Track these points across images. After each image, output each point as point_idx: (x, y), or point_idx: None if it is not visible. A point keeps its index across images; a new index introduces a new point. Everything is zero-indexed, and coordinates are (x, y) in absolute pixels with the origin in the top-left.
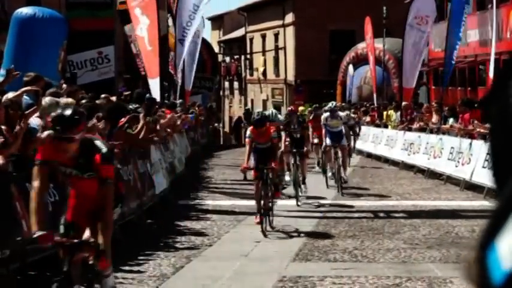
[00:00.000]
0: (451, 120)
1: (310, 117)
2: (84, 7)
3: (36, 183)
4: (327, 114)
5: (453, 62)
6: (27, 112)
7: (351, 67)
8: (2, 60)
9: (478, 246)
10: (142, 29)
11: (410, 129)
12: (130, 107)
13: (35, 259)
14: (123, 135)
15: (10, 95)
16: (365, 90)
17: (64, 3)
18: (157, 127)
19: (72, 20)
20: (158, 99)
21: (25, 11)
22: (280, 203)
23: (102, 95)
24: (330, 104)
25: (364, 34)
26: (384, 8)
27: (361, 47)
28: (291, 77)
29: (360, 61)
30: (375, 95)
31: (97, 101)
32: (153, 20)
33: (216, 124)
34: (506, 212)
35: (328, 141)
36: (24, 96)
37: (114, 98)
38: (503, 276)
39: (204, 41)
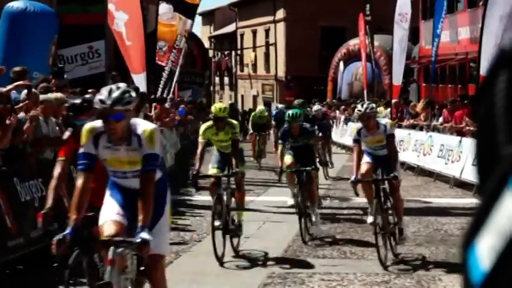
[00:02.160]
0: (441, 118)
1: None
2: (75, 2)
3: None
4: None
5: (433, 59)
6: (17, 107)
7: (341, 64)
8: None
9: (461, 245)
10: (119, 24)
11: (400, 126)
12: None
13: (22, 253)
14: None
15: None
16: (356, 86)
17: None
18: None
19: (63, 14)
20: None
21: (16, 5)
22: (270, 199)
23: (89, 90)
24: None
25: (354, 30)
26: (368, 5)
27: (352, 43)
28: (281, 73)
29: (352, 58)
30: (365, 92)
31: (86, 96)
32: (133, 14)
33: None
34: (486, 211)
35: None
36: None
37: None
38: (481, 276)
39: (194, 36)
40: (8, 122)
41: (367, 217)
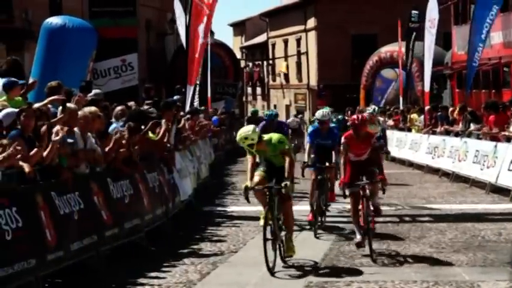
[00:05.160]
0: (472, 125)
1: None
2: (107, 16)
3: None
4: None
5: (474, 65)
6: (53, 120)
7: (389, 70)
8: (11, 68)
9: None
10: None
11: (434, 133)
12: (143, 107)
13: (62, 267)
14: (145, 141)
15: (36, 105)
16: (390, 94)
17: (87, 12)
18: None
19: (95, 28)
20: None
21: (55, 21)
22: (306, 209)
23: (130, 103)
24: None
25: (386, 37)
26: (412, 11)
27: (384, 50)
28: (313, 81)
29: (383, 65)
30: (401, 99)
31: (118, 108)
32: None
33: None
34: None
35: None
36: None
37: (131, 103)
38: None
39: (225, 47)
40: (53, 137)
41: (403, 225)
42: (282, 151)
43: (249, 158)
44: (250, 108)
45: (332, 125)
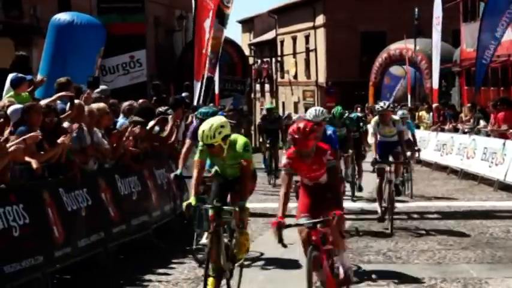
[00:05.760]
0: (481, 123)
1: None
2: (115, 12)
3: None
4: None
5: (484, 62)
6: (62, 116)
7: (398, 68)
8: (19, 63)
9: None
10: (207, 30)
11: (443, 130)
12: (160, 109)
13: (69, 263)
14: (153, 138)
15: (44, 101)
16: (398, 91)
17: (96, 8)
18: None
19: (104, 24)
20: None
21: (63, 17)
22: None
23: (140, 100)
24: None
25: (395, 35)
26: (416, 9)
27: (393, 47)
28: (322, 78)
29: (392, 62)
30: (409, 96)
31: (125, 103)
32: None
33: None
34: None
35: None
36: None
37: (131, 102)
38: None
39: (234, 43)
40: (60, 140)
41: (411, 221)
42: (243, 160)
43: (196, 160)
44: (266, 105)
45: (330, 129)
